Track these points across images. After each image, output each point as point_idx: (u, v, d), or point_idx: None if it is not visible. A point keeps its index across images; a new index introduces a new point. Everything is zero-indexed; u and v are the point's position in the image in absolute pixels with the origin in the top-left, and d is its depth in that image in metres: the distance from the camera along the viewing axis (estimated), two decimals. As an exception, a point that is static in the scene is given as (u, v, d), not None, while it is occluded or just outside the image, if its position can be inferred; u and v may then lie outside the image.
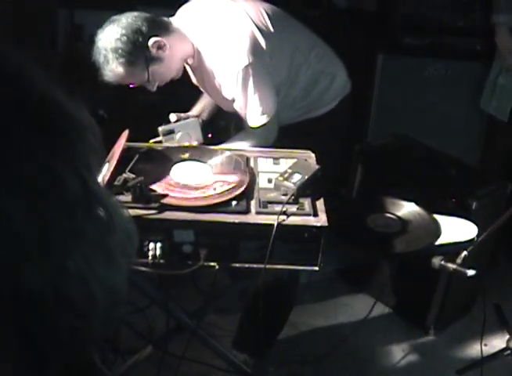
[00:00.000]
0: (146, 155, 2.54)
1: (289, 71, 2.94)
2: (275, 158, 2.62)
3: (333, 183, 2.69)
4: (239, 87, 2.76)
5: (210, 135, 3.55)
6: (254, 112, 2.83)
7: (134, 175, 2.28)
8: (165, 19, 2.81)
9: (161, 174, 2.41)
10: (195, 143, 2.98)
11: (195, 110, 3.22)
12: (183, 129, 2.98)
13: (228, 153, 2.59)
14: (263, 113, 2.83)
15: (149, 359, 2.97)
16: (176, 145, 2.89)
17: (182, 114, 3.09)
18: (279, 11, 3.02)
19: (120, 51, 2.60)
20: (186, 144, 2.92)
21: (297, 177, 2.36)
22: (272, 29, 2.88)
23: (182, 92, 3.17)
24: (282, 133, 2.95)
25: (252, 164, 2.58)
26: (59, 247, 0.65)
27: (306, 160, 2.56)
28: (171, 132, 2.95)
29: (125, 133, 2.55)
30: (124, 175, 2.29)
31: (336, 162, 3.21)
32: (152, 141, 2.91)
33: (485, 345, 3.32)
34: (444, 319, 3.70)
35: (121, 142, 2.49)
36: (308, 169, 2.43)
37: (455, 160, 3.66)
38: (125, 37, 2.61)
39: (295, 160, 2.53)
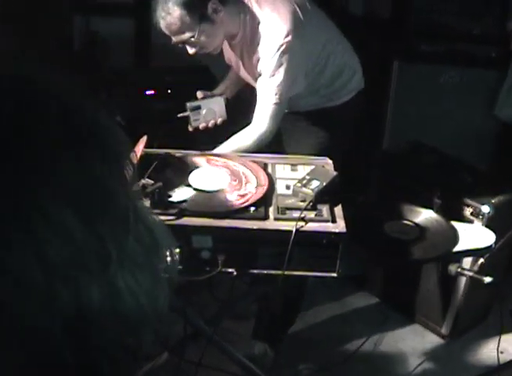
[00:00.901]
0: (164, 161, 2.54)
1: (319, 58, 3.02)
2: (293, 165, 2.62)
3: (350, 190, 2.69)
4: (274, 58, 2.81)
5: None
6: (282, 86, 2.86)
7: (152, 181, 2.29)
8: None
9: (180, 180, 2.41)
10: (219, 120, 3.10)
11: (219, 89, 3.29)
12: (209, 106, 3.08)
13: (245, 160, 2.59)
14: (280, 93, 2.87)
15: (165, 366, 2.96)
16: (202, 120, 3.02)
17: (208, 92, 3.16)
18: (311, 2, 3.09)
19: None
20: (211, 121, 3.06)
21: (315, 183, 2.35)
22: (311, 17, 2.95)
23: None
24: (299, 117, 3.12)
25: (270, 170, 2.58)
26: (115, 263, 0.67)
27: (324, 166, 2.55)
28: (197, 108, 3.04)
29: (143, 139, 2.55)
30: (143, 181, 2.29)
31: (351, 167, 3.24)
32: (179, 115, 3.00)
33: (502, 352, 3.30)
34: (460, 326, 3.68)
35: (139, 148, 2.50)
36: (326, 175, 2.43)
37: (470, 166, 3.66)
38: None
39: (313, 166, 2.53)
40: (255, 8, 2.87)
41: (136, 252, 0.71)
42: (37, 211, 0.61)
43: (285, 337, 3.58)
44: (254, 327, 3.54)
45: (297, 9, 2.89)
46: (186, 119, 3.05)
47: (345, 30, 3.22)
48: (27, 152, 0.63)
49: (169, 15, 2.68)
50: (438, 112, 4.47)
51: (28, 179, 0.62)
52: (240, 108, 3.08)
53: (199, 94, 3.11)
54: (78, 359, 0.67)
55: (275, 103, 2.88)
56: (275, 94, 2.87)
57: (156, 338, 0.77)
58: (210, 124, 3.07)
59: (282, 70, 2.83)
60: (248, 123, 2.90)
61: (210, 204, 2.30)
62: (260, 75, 2.90)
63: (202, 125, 3.04)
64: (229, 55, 3.12)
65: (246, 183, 2.46)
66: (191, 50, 2.84)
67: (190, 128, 3.04)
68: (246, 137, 2.89)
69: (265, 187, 2.42)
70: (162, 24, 2.73)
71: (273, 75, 2.85)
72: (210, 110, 3.07)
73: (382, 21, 4.73)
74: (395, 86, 4.47)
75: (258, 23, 2.85)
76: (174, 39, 2.79)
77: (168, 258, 0.79)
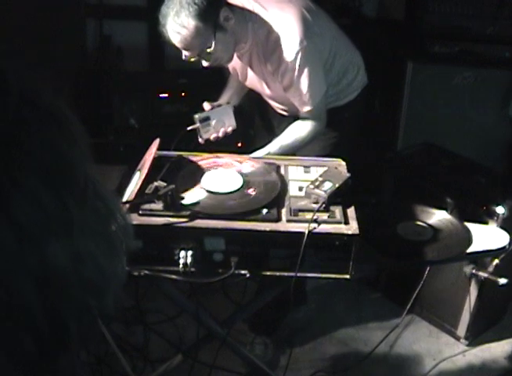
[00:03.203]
0: (177, 163, 2.55)
1: (328, 57, 3.03)
2: (305, 166, 2.62)
3: (364, 191, 2.69)
4: (297, 65, 2.83)
5: (239, 145, 3.58)
6: (312, 92, 2.91)
7: (165, 184, 2.29)
8: None
9: (192, 182, 2.41)
10: (229, 129, 3.08)
11: (223, 99, 3.26)
12: (218, 116, 3.05)
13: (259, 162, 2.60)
14: (319, 93, 2.94)
15: (178, 367, 2.96)
16: (212, 131, 3.01)
17: (215, 103, 3.14)
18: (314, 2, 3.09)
19: (195, 5, 2.61)
20: (222, 131, 3.04)
21: (327, 185, 2.35)
22: (317, 17, 2.96)
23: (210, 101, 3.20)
24: None
25: (283, 172, 2.58)
26: (78, 228, 0.73)
27: (336, 168, 2.55)
28: (206, 119, 3.01)
29: (156, 142, 2.56)
30: (156, 184, 2.30)
31: (365, 169, 3.25)
32: (189, 128, 2.96)
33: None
34: (475, 327, 3.66)
35: (152, 151, 2.50)
36: (339, 177, 2.42)
37: (484, 167, 3.65)
38: None
39: (326, 168, 2.53)
40: (262, 13, 2.86)
41: (94, 221, 0.77)
42: (9, 180, 0.67)
43: (282, 324, 3.65)
44: (251, 319, 3.55)
45: (304, 11, 2.89)
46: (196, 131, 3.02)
47: (359, 31, 3.22)
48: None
49: (185, 28, 2.63)
50: (452, 113, 4.45)
51: (1, 152, 0.68)
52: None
53: (206, 105, 3.08)
54: (47, 320, 0.72)
55: (312, 108, 2.94)
56: (309, 99, 2.92)
57: (117, 303, 0.82)
58: (220, 134, 3.05)
59: (305, 75, 2.86)
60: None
61: (223, 206, 2.30)
62: (284, 85, 2.93)
63: (213, 136, 3.02)
64: (235, 64, 3.08)
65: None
66: (206, 63, 2.81)
67: (201, 140, 3.01)
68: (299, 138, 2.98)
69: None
70: (177, 39, 2.67)
71: (299, 82, 2.87)
72: (219, 120, 3.05)
73: (396, 22, 4.73)
74: (409, 87, 4.45)
75: (268, 29, 2.84)
76: (188, 53, 2.74)
77: (122, 227, 0.84)
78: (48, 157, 0.72)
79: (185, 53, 2.75)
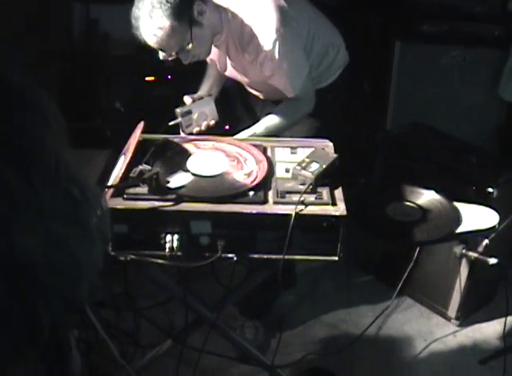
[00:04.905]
0: (161, 147, 2.52)
1: (306, 40, 2.99)
2: (292, 148, 2.59)
3: (353, 172, 2.68)
4: (276, 54, 2.78)
5: (227, 127, 3.55)
6: (294, 77, 2.89)
7: (150, 167, 2.26)
8: None
9: (177, 165, 2.39)
10: (212, 122, 3.05)
11: (203, 90, 3.22)
12: (199, 108, 3.02)
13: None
14: (301, 77, 2.91)
15: (168, 352, 2.96)
16: (195, 125, 2.98)
17: (195, 95, 3.10)
18: None
19: (167, 3, 2.52)
20: (204, 125, 3.01)
21: (314, 166, 2.33)
22: (292, 0, 2.90)
23: (195, 85, 3.17)
24: None
25: (269, 153, 2.56)
26: (48, 213, 0.71)
27: (324, 149, 2.52)
28: (188, 113, 2.98)
29: (140, 125, 2.53)
30: (140, 167, 2.27)
31: (354, 149, 3.23)
32: (171, 123, 2.92)
33: (508, 334, 3.29)
34: (466, 308, 3.66)
35: (137, 134, 2.48)
36: (326, 158, 2.40)
37: (474, 147, 3.63)
38: None
39: (312, 149, 2.50)
40: (235, 2, 2.80)
41: (67, 206, 0.75)
42: None
43: (272, 308, 3.66)
44: (241, 303, 3.54)
45: None
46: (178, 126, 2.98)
47: (346, 11, 3.19)
48: None
49: (160, 29, 2.56)
50: (442, 93, 4.43)
51: None
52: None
53: (186, 99, 3.04)
54: (20, 312, 0.70)
55: (297, 93, 2.91)
56: (292, 85, 2.89)
57: (92, 292, 0.80)
58: (203, 127, 3.02)
59: (286, 62, 2.82)
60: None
61: (209, 188, 2.28)
62: (265, 74, 2.90)
63: (196, 130, 2.99)
64: (212, 55, 3.02)
65: (245, 161, 2.45)
66: (185, 61, 2.75)
67: (183, 135, 2.96)
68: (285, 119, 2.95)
69: (265, 161, 2.42)
70: (153, 40, 2.60)
71: (281, 69, 2.84)
72: (201, 112, 3.02)
73: (383, 1, 4.68)
74: (398, 67, 4.42)
75: (242, 19, 2.79)
76: (165, 54, 2.68)
77: (99, 214, 0.82)
78: (15, 138, 0.70)
79: (162, 54, 2.69)
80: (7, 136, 0.69)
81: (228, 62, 3.04)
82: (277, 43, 2.75)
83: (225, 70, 3.11)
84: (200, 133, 2.99)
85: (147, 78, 4.41)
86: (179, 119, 2.94)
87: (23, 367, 0.78)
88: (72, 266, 0.75)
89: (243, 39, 2.83)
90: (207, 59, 3.12)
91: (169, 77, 4.40)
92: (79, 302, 0.79)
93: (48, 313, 0.73)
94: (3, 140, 0.69)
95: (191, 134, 2.97)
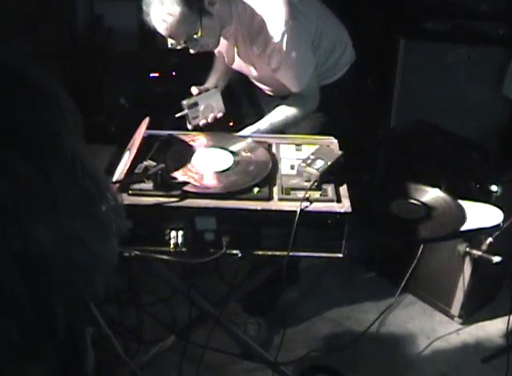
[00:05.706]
0: (166, 143, 2.52)
1: (314, 36, 2.98)
2: (297, 144, 2.59)
3: (357, 169, 2.68)
4: (284, 46, 2.78)
5: (231, 124, 3.55)
6: (301, 72, 2.90)
7: (155, 163, 2.26)
8: None
9: (183, 161, 2.39)
10: (219, 115, 3.04)
11: (210, 83, 3.22)
12: (206, 101, 3.02)
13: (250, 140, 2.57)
14: (308, 72, 2.91)
15: (172, 348, 2.96)
16: (201, 117, 2.96)
17: (202, 87, 3.10)
18: None
19: None
20: (211, 117, 3.00)
21: (319, 163, 2.33)
22: None
23: (200, 81, 3.17)
24: None
25: (274, 150, 2.56)
26: (64, 207, 0.71)
27: (329, 146, 2.53)
28: (195, 105, 2.97)
29: (146, 121, 2.53)
30: (145, 163, 2.27)
31: (358, 147, 3.23)
32: (177, 115, 2.93)
33: (512, 332, 3.29)
34: (469, 306, 3.65)
35: (142, 130, 2.48)
36: (331, 155, 2.40)
37: (478, 145, 3.62)
38: None
39: (318, 146, 2.50)
40: None
41: (83, 200, 0.74)
42: None
43: (275, 304, 3.63)
44: (244, 300, 3.54)
45: None
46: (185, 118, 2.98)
47: (351, 8, 3.18)
48: None
49: (170, 15, 2.56)
50: (446, 90, 4.42)
51: None
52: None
53: (193, 90, 3.04)
54: (34, 306, 0.69)
55: (303, 88, 2.91)
56: (298, 80, 2.89)
57: (107, 286, 0.79)
58: (209, 120, 3.01)
59: (293, 56, 2.82)
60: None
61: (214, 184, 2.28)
62: (272, 67, 2.88)
63: (202, 122, 2.99)
64: (220, 47, 3.01)
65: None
66: (193, 50, 2.76)
67: (189, 127, 2.96)
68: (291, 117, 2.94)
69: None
70: (162, 27, 2.60)
71: (288, 63, 2.83)
72: (207, 105, 3.01)
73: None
74: (402, 65, 4.42)
75: (252, 11, 2.79)
76: (173, 41, 2.69)
77: (113, 208, 0.81)
78: (33, 132, 0.70)
79: (171, 41, 2.69)
80: (24, 129, 0.69)
81: (236, 55, 3.04)
82: (286, 35, 2.75)
83: (233, 62, 3.11)
84: (206, 125, 2.99)
85: (151, 74, 4.40)
86: (186, 111, 2.93)
87: (40, 366, 0.77)
88: (87, 262, 0.74)
89: (252, 31, 2.83)
90: (215, 52, 3.12)
91: (173, 73, 4.39)
92: (94, 299, 0.79)
93: (64, 310, 0.72)
94: (20, 133, 0.69)
95: (197, 126, 2.97)
